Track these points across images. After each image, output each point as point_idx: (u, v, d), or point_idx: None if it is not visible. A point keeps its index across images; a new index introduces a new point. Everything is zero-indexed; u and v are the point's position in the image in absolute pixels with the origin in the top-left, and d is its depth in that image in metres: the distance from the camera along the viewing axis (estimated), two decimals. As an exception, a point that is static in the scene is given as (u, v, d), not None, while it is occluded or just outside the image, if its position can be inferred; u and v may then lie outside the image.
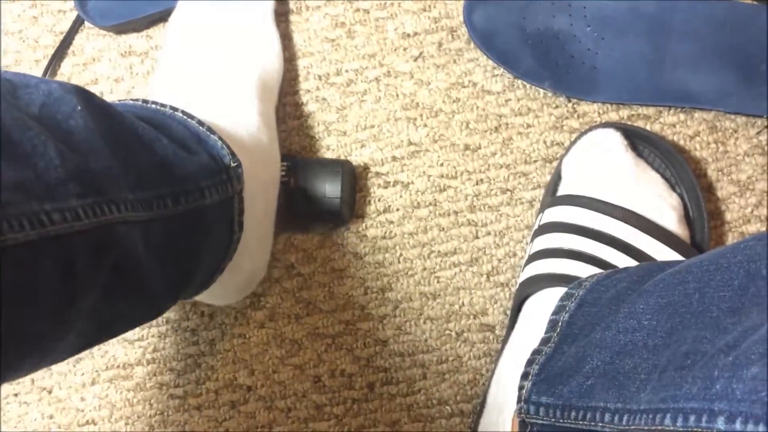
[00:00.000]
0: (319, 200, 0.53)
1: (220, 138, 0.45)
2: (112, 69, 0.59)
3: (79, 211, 0.31)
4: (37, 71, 0.59)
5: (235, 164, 0.44)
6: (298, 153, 0.57)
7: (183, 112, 0.45)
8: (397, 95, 0.57)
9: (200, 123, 0.45)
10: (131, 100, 0.45)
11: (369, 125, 0.57)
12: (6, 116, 0.30)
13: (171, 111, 0.45)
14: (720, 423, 0.28)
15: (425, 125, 0.57)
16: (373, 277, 0.56)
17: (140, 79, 0.59)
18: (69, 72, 0.59)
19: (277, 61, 0.54)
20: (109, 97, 0.59)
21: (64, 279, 0.30)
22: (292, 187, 0.53)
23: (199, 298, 0.49)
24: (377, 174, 0.57)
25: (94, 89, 0.59)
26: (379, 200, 0.57)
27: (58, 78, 0.59)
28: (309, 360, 0.55)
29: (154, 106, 0.45)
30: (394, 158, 0.57)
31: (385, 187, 0.57)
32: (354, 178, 0.56)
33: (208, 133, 0.44)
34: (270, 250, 0.53)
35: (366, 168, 0.57)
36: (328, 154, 0.57)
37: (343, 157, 0.57)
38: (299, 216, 0.55)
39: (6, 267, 0.28)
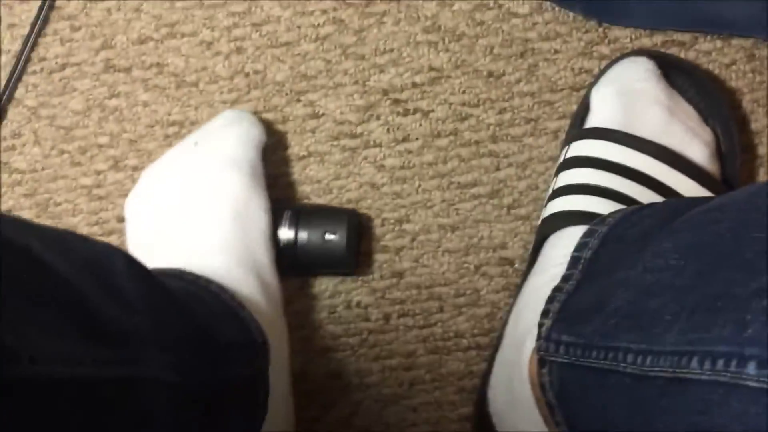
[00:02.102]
0: (323, 250, 0.51)
1: (250, 314, 0.45)
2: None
3: (110, 359, 0.31)
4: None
5: (262, 341, 0.44)
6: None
7: (217, 285, 0.45)
8: (419, 17, 0.55)
9: (233, 297, 0.45)
10: (170, 269, 0.46)
11: (388, 49, 0.55)
12: (54, 261, 0.31)
13: (206, 282, 0.45)
14: (751, 368, 0.27)
15: (447, 50, 0.54)
16: (390, 208, 0.55)
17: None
18: (76, -11, 0.57)
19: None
20: (117, 15, 0.57)
21: (88, 419, 0.30)
22: (295, 237, 0.51)
23: None
24: (396, 101, 0.55)
25: (100, 6, 0.57)
26: (398, 128, 0.55)
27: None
28: (324, 290, 0.55)
29: (190, 276, 0.45)
30: (414, 84, 0.55)
31: (405, 115, 0.55)
32: (360, 225, 0.53)
33: (240, 308, 0.45)
34: (293, 424, 0.52)
35: (385, 94, 0.55)
36: (346, 79, 0.55)
37: (360, 83, 0.54)
38: (302, 266, 0.52)
39: (38, 403, 0.27)
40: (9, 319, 0.27)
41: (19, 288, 0.28)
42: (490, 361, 0.50)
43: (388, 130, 0.55)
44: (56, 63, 0.57)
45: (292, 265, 0.52)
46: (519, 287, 0.49)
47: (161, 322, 0.37)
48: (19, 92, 0.57)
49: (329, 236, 0.51)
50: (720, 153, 0.50)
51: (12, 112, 0.57)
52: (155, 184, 0.52)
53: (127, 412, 0.33)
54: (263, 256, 0.49)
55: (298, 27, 0.55)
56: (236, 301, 0.45)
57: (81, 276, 0.33)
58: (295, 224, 0.51)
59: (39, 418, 0.27)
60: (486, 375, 0.50)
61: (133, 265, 0.37)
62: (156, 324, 0.36)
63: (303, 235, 0.51)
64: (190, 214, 0.49)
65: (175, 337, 0.37)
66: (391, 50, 0.55)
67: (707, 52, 0.53)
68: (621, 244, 0.40)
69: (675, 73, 0.50)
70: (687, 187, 0.46)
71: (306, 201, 0.55)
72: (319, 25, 0.55)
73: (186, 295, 0.43)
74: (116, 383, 0.32)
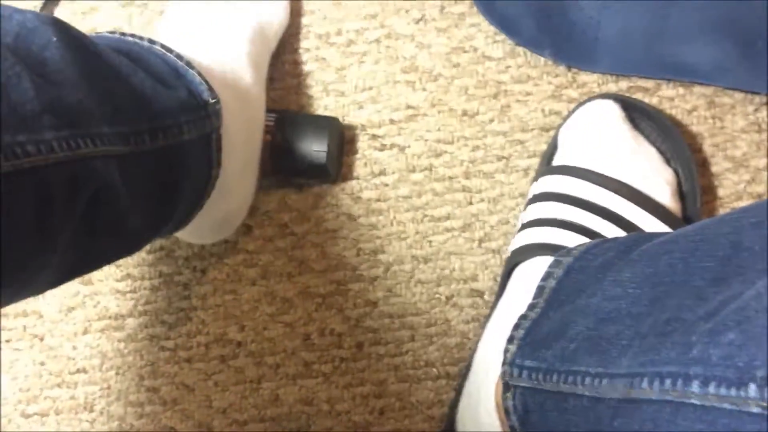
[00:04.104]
0: (305, 155, 0.53)
1: (199, 73, 0.44)
2: (111, 19, 0.59)
3: (54, 144, 0.31)
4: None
5: (214, 101, 0.44)
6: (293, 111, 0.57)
7: (162, 45, 0.44)
8: (397, 57, 0.57)
9: (179, 57, 0.44)
10: (108, 32, 0.44)
11: (368, 87, 0.57)
12: None
13: (149, 44, 0.44)
14: (695, 386, 0.28)
15: (424, 89, 0.57)
16: (366, 238, 0.56)
17: (138, 30, 0.58)
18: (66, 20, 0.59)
19: (281, 12, 0.54)
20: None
21: (40, 210, 0.30)
22: (278, 140, 0.53)
23: (177, 235, 0.49)
24: (374, 136, 0.57)
25: (93, 40, 0.59)
26: (374, 163, 0.57)
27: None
28: (299, 318, 0.56)
29: (131, 38, 0.44)
30: (391, 121, 0.57)
31: (381, 150, 0.57)
32: (342, 136, 0.56)
33: (187, 67, 0.44)
34: (252, 194, 0.53)
35: (363, 129, 0.57)
36: (326, 114, 0.57)
37: (340, 118, 0.57)
38: (285, 170, 0.55)
39: None
40: None
41: None
42: (459, 389, 0.51)
43: (365, 163, 0.57)
44: None
45: (274, 167, 0.53)
46: (488, 317, 0.51)
47: (102, 94, 0.35)
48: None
49: (313, 142, 0.52)
50: (681, 193, 0.52)
51: None
52: None
53: (78, 195, 0.32)
54: (262, 22, 0.51)
55: (283, 63, 0.58)
56: (184, 60, 0.44)
57: (11, 57, 0.31)
58: (281, 127, 0.53)
59: None
60: (454, 403, 0.51)
61: (65, 34, 0.36)
62: (98, 97, 0.35)
63: (287, 139, 0.53)
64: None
65: (120, 107, 0.37)
66: (370, 88, 0.57)
67: (670, 98, 0.56)
68: (583, 274, 0.42)
69: (639, 116, 0.53)
70: (648, 223, 0.48)
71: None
72: (302, 62, 0.58)
73: (128, 60, 0.40)
74: (63, 167, 0.31)
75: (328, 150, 0.53)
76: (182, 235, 0.49)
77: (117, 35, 0.44)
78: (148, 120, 0.39)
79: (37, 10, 0.59)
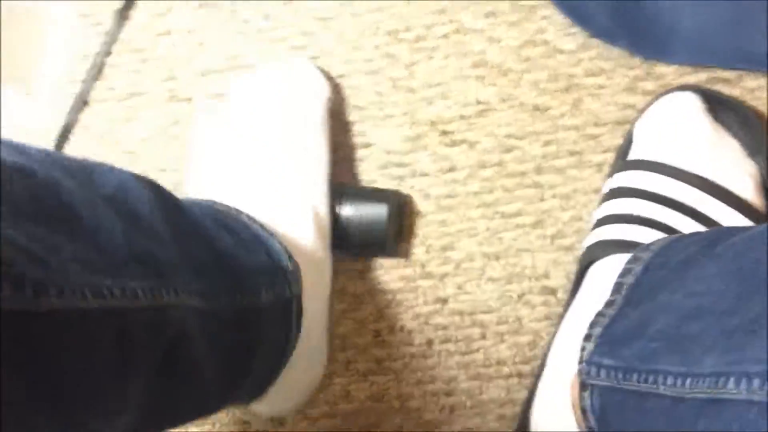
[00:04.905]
0: (365, 230, 0.52)
1: (280, 242, 0.46)
2: (186, 20, 0.60)
3: (138, 291, 0.33)
4: (108, 20, 0.60)
5: (293, 268, 0.46)
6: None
7: (248, 215, 0.47)
8: (467, 53, 0.57)
9: (262, 227, 0.47)
10: (200, 199, 0.48)
11: (437, 82, 0.57)
12: (77, 194, 0.32)
13: (236, 213, 0.47)
14: None
15: (494, 84, 0.56)
16: (435, 235, 0.56)
17: (212, 31, 0.60)
18: (144, 22, 0.60)
19: (323, 168, 0.53)
20: (182, 48, 0.60)
21: (120, 350, 0.31)
22: (337, 215, 0.53)
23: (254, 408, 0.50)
24: (444, 132, 0.56)
25: (166, 40, 0.60)
26: (444, 159, 0.56)
27: (134, 26, 0.61)
28: (369, 315, 0.56)
29: (221, 206, 0.47)
30: (461, 117, 0.56)
31: (452, 146, 0.56)
32: (402, 209, 0.55)
33: (268, 235, 0.46)
34: (324, 365, 0.54)
35: (433, 125, 0.57)
36: (396, 111, 0.57)
37: (409, 115, 0.56)
38: (343, 245, 0.54)
39: (69, 332, 0.29)
40: (35, 252, 0.28)
41: (45, 221, 0.29)
42: (532, 388, 0.51)
43: (435, 160, 0.56)
44: (124, 92, 0.61)
45: (333, 242, 0.53)
46: (561, 316, 0.50)
47: (188, 251, 0.37)
48: (88, 119, 0.61)
49: (372, 213, 0.52)
50: (765, 187, 0.50)
51: (80, 137, 0.61)
52: (227, 115, 0.53)
53: (157, 339, 0.34)
54: (321, 192, 0.51)
55: (352, 61, 0.58)
56: (266, 230, 0.46)
57: (108, 207, 0.33)
58: (339, 200, 0.53)
59: (70, 347, 0.29)
60: (527, 403, 0.51)
61: (160, 194, 0.38)
62: (183, 253, 0.37)
63: (346, 211, 0.52)
64: (258, 153, 0.51)
65: (202, 265, 0.38)
66: (440, 84, 0.57)
67: (752, 89, 0.54)
68: (663, 270, 0.41)
69: (720, 108, 0.51)
70: (730, 218, 0.47)
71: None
72: (371, 59, 0.58)
73: (214, 224, 0.43)
74: (145, 312, 0.33)
75: (387, 225, 0.52)
76: (258, 407, 0.50)
77: (209, 202, 0.47)
78: (228, 280, 0.41)
79: (117, 10, 0.60)
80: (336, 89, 0.56)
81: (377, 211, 0.52)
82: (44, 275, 0.28)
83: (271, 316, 0.45)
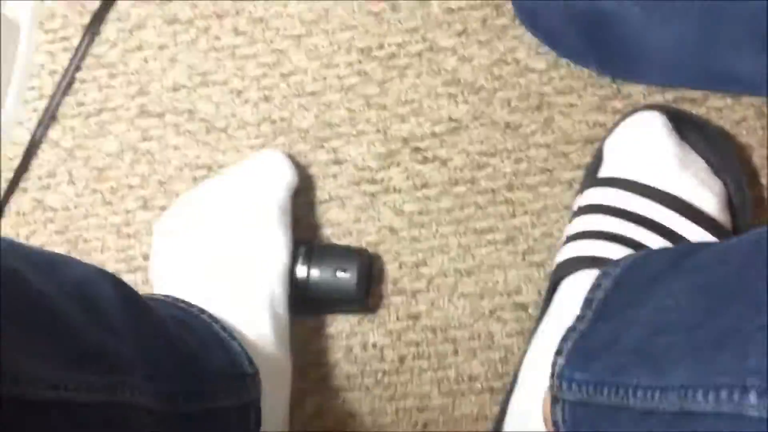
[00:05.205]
0: (334, 287, 0.53)
1: (241, 345, 0.46)
2: (157, 36, 0.60)
3: (94, 386, 0.32)
4: (77, 35, 0.60)
5: (253, 371, 0.46)
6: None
7: (209, 315, 0.47)
8: (439, 71, 0.57)
9: (224, 328, 0.46)
10: (162, 295, 0.47)
11: (409, 100, 0.57)
12: (36, 285, 0.32)
13: (198, 311, 0.47)
14: (752, 398, 0.27)
15: (466, 102, 0.57)
16: (408, 251, 0.56)
17: (183, 47, 0.59)
18: (114, 37, 0.60)
19: (282, 266, 0.52)
20: (153, 64, 0.60)
21: None
22: (307, 277, 0.53)
23: None
24: (416, 149, 0.57)
25: (137, 55, 0.60)
26: (417, 175, 0.57)
27: (103, 42, 0.60)
28: (341, 331, 0.56)
29: (183, 304, 0.47)
30: (433, 134, 0.57)
31: (424, 163, 0.57)
32: (371, 264, 0.55)
33: (230, 338, 0.46)
34: None
35: (405, 142, 0.57)
36: (368, 128, 0.57)
37: (382, 132, 0.57)
38: (314, 306, 0.54)
39: (23, 423, 0.29)
40: None
41: (5, 312, 0.29)
42: (503, 404, 0.51)
43: (407, 176, 0.57)
44: (93, 108, 0.60)
45: (304, 302, 0.53)
46: (533, 331, 0.50)
47: (147, 350, 0.37)
48: (57, 134, 0.60)
49: (341, 273, 0.52)
50: (731, 205, 0.51)
51: (48, 153, 0.60)
52: (188, 213, 0.53)
53: None
54: (279, 291, 0.51)
55: (324, 78, 0.58)
56: (227, 331, 0.46)
57: (68, 301, 0.34)
58: (308, 261, 0.53)
59: None
60: (500, 418, 0.51)
61: (121, 290, 0.38)
62: (142, 351, 0.37)
63: (315, 272, 0.53)
64: (217, 250, 0.51)
65: (161, 365, 0.38)
66: (413, 101, 0.57)
67: (718, 108, 0.55)
68: (633, 285, 0.41)
69: (686, 127, 0.52)
70: (697, 235, 0.47)
71: (321, 241, 0.56)
72: (343, 76, 0.58)
73: (176, 323, 0.43)
74: (100, 408, 0.33)
75: (358, 281, 0.52)
76: None
77: (170, 300, 0.47)
78: (186, 383, 0.40)
79: (86, 25, 0.60)
80: (302, 175, 0.56)
81: (346, 274, 0.52)
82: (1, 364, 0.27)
83: (229, 420, 0.44)
